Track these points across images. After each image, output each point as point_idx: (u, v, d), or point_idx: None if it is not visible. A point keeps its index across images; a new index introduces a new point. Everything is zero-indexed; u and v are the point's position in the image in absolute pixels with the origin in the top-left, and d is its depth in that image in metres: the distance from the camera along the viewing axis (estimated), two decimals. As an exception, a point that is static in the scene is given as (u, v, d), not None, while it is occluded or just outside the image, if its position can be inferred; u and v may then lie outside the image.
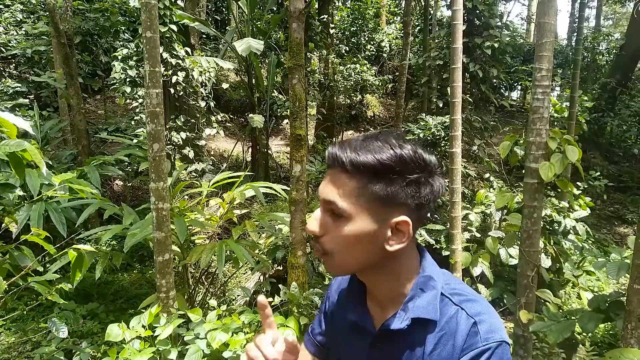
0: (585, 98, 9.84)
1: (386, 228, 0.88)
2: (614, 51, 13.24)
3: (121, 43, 9.41)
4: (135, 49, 7.00)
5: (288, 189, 3.79)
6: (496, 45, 8.35)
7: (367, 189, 0.86)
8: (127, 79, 6.96)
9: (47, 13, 7.21)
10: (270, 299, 3.06)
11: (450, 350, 0.87)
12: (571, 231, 5.17)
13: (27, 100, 7.31)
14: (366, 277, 0.99)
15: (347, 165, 0.86)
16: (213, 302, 3.10)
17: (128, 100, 7.19)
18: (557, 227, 5.10)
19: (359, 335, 1.01)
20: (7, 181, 3.16)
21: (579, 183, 6.68)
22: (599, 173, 8.57)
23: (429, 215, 0.95)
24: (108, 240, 5.55)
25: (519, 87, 16.37)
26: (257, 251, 4.10)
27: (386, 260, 0.92)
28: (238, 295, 5.02)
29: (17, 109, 6.71)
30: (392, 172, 0.86)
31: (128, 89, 6.97)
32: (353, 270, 0.96)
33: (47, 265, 3.09)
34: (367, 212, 0.87)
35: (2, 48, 9.17)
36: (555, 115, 8.17)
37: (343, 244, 0.89)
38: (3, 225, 3.28)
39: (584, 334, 4.70)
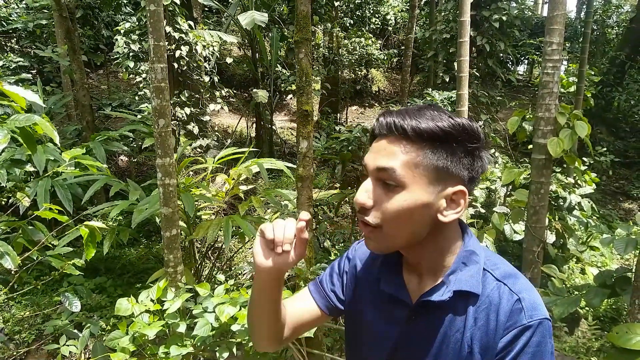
0: (592, 72, 9.70)
1: (441, 199, 0.87)
2: (624, 24, 12.97)
3: (123, 17, 9.29)
4: (137, 23, 6.91)
5: (292, 166, 3.78)
6: (504, 18, 8.20)
7: (426, 158, 0.85)
8: (130, 54, 6.89)
9: (48, -14, 7.09)
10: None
11: (493, 325, 0.86)
12: (576, 207, 5.16)
13: (29, 75, 7.24)
14: (409, 249, 0.95)
15: (409, 132, 0.84)
16: (221, 277, 3.13)
17: (131, 75, 7.13)
18: (562, 203, 5.09)
19: (394, 307, 0.99)
20: (14, 156, 3.17)
21: (584, 159, 6.63)
22: (605, 148, 8.51)
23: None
24: (114, 216, 5.59)
25: (526, 61, 16.12)
26: (263, 226, 4.11)
27: (434, 232, 0.90)
28: (245, 271, 5.07)
29: (20, 84, 6.67)
30: (454, 141, 0.85)
31: (131, 64, 6.91)
32: (402, 245, 0.92)
33: (56, 242, 3.12)
34: (424, 181, 0.85)
35: (3, 22, 9.05)
36: (562, 90, 8.06)
37: (396, 216, 0.86)
38: (11, 200, 3.30)
39: (587, 308, 4.73)
